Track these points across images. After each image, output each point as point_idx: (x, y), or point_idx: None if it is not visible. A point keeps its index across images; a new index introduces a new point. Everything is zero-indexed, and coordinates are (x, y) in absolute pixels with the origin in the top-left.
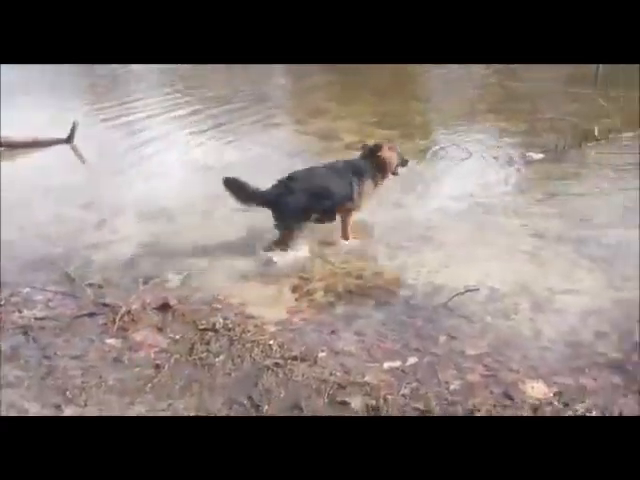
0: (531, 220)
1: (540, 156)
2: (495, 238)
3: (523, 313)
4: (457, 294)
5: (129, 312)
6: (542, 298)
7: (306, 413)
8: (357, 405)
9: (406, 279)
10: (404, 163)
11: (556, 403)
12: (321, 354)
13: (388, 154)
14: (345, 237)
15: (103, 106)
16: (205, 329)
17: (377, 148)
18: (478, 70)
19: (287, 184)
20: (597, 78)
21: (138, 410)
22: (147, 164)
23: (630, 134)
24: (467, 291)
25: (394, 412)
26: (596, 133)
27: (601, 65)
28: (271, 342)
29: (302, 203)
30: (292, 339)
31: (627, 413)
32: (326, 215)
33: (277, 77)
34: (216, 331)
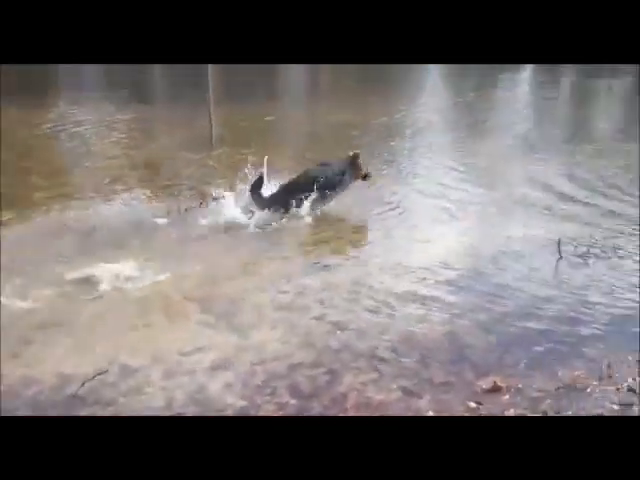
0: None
1: (164, 220)
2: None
3: (155, 384)
4: (86, 381)
5: None
6: (173, 363)
7: None
8: None
9: (28, 374)
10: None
11: None
12: None
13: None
14: None
15: None
16: None
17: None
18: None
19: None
20: (212, 139)
21: None
22: None
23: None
24: (97, 375)
25: None
26: (214, 194)
27: (214, 127)
28: None
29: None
30: None
31: None
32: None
33: None
34: None
